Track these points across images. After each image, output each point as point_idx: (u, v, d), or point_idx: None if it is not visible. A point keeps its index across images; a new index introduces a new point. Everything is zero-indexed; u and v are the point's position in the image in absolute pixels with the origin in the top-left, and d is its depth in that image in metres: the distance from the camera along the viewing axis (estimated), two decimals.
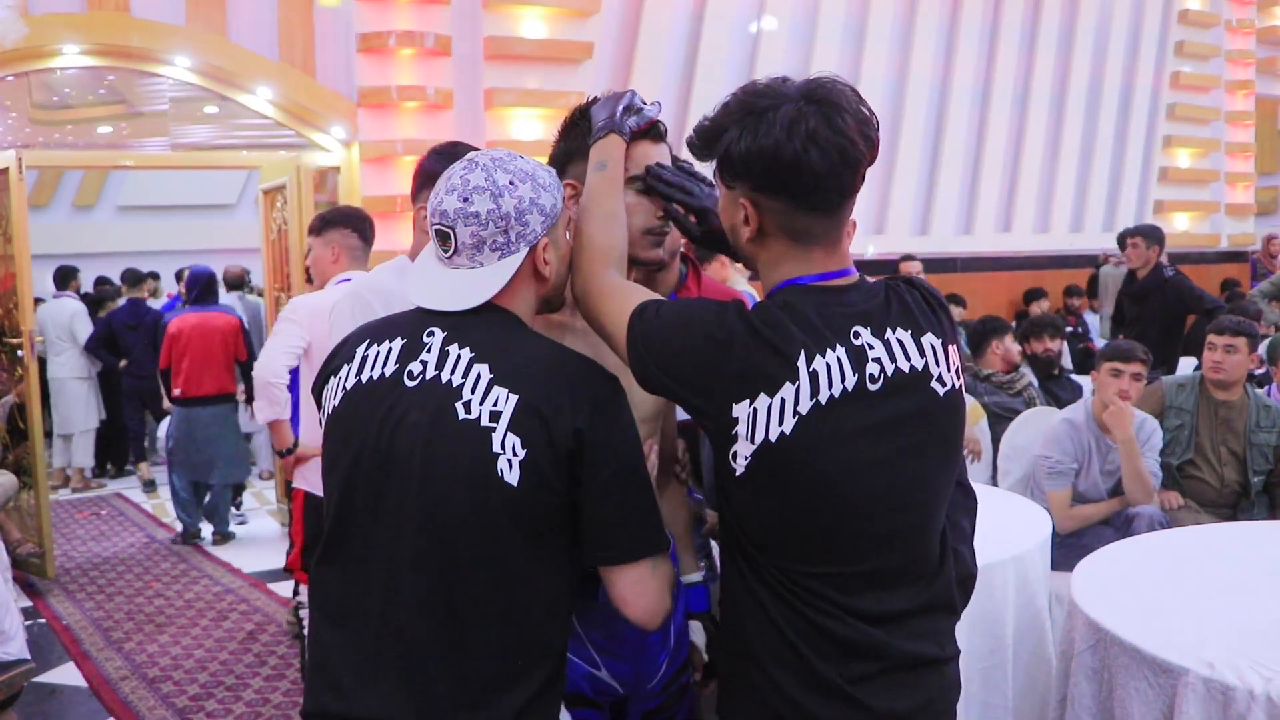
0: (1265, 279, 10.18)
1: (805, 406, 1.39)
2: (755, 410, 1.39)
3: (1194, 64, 10.48)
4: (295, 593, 3.55)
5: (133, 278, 8.31)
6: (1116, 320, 6.82)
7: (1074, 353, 8.00)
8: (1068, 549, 3.60)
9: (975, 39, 9.07)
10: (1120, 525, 3.75)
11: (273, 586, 5.43)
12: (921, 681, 1.48)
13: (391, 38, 6.53)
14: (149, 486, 8.06)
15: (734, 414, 1.40)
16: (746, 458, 1.41)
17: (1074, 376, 5.61)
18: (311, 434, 3.52)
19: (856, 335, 1.44)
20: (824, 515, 1.43)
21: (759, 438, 1.40)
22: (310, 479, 3.46)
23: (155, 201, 12.62)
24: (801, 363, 1.40)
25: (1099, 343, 8.21)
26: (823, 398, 1.40)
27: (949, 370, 1.51)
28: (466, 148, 2.40)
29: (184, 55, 6.22)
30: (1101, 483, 3.88)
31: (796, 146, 1.39)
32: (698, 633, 2.13)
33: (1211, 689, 1.99)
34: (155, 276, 9.38)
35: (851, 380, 1.41)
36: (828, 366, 1.40)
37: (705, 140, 1.50)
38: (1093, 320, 9.13)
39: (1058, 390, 5.18)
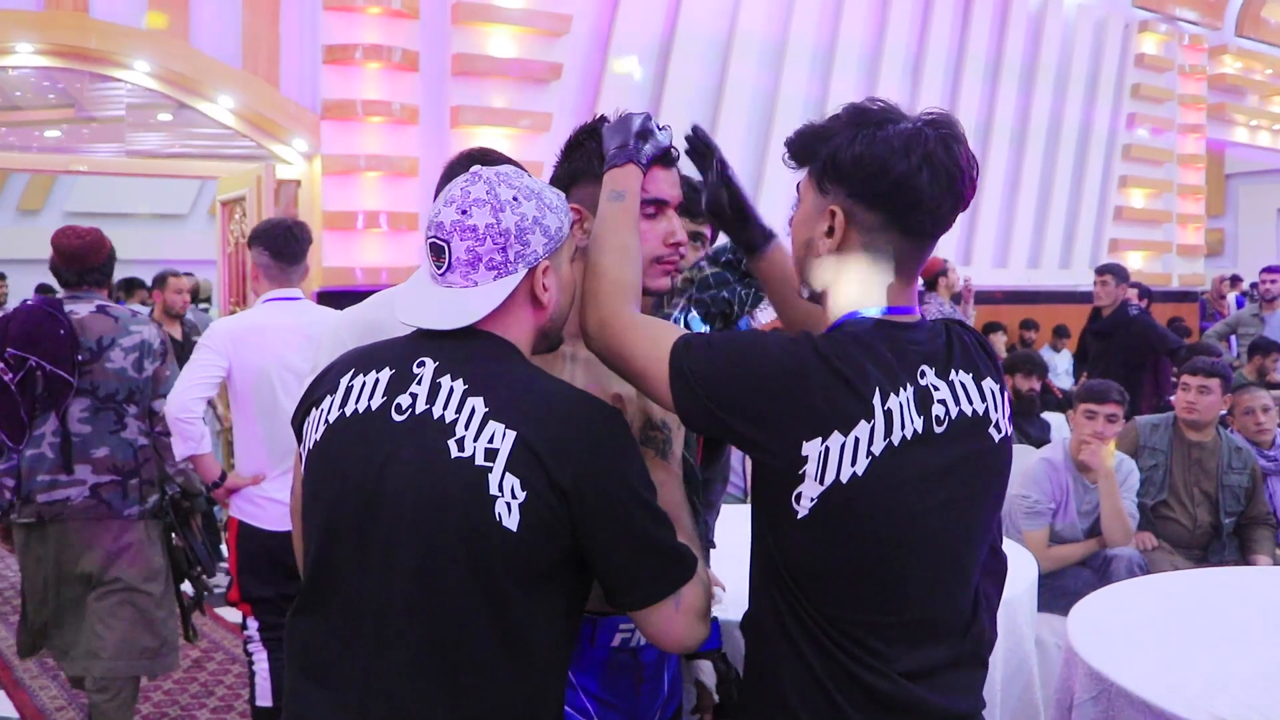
0: (1214, 319, 10.39)
1: (879, 447, 1.32)
2: (828, 449, 1.31)
3: (1149, 106, 10.69)
4: (244, 626, 3.38)
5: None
6: (1080, 357, 6.88)
7: None
8: (1045, 590, 3.55)
9: (940, 74, 9.16)
10: (1099, 567, 3.72)
11: (220, 612, 5.23)
12: None
13: (358, 51, 6.42)
14: None
15: (804, 452, 1.32)
16: (813, 499, 1.33)
17: (1041, 414, 5.61)
18: (245, 461, 3.37)
19: (923, 375, 1.38)
20: (884, 561, 1.36)
21: (829, 478, 1.32)
22: (244, 508, 3.32)
23: (105, 209, 12.32)
24: (877, 400, 1.33)
25: (1056, 381, 8.27)
26: (895, 439, 1.33)
27: (1004, 417, 1.46)
28: (495, 154, 2.21)
29: (143, 59, 6.05)
30: (1079, 523, 3.85)
31: (912, 163, 1.35)
32: (707, 673, 2.03)
33: None
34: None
35: (919, 422, 1.35)
36: (900, 406, 1.34)
37: (807, 142, 1.44)
38: (1049, 357, 9.19)
39: (1027, 428, 5.18)
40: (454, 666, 1.36)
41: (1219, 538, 4.12)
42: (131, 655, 3.40)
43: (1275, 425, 4.52)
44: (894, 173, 1.36)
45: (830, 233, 1.42)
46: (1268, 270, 8.19)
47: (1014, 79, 9.62)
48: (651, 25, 7.71)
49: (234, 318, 3.57)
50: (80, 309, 3.41)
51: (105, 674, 3.38)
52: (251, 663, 3.33)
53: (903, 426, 1.34)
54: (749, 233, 1.73)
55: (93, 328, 3.38)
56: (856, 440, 1.32)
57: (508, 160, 1.97)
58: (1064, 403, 6.51)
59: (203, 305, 8.35)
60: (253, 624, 3.32)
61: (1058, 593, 3.59)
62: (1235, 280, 12.28)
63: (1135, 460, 4.08)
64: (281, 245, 3.42)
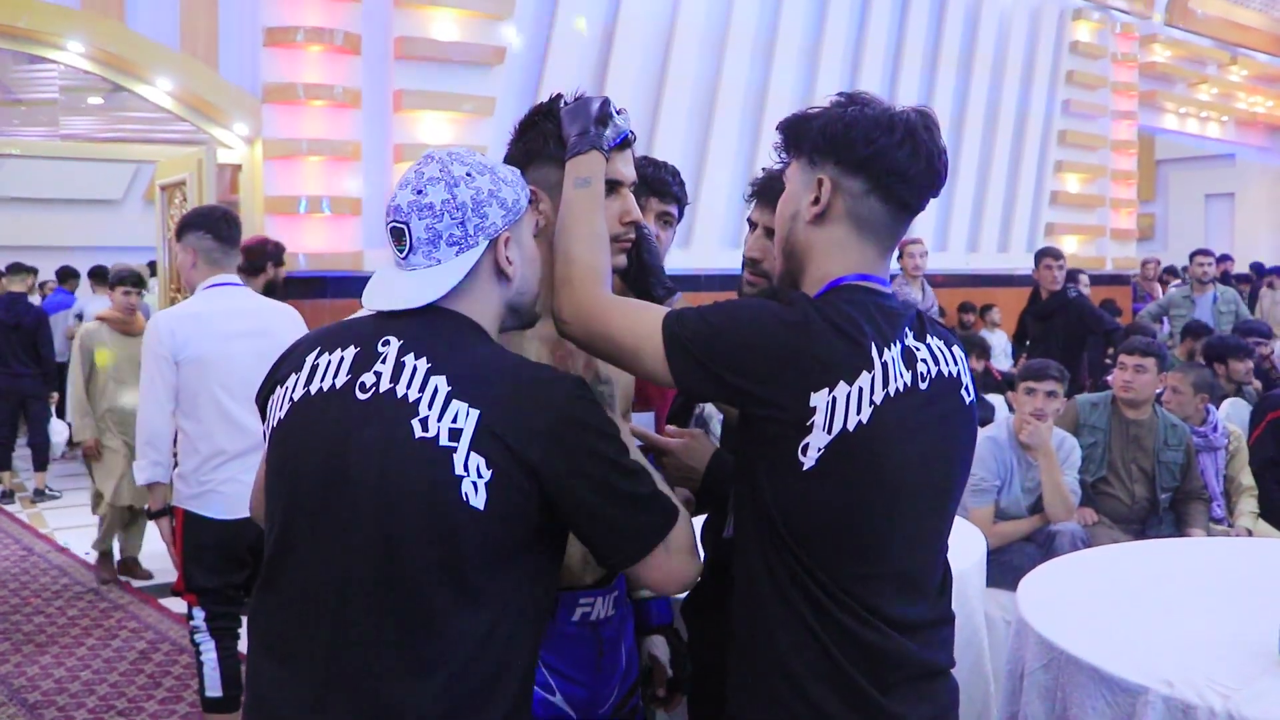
0: (1145, 301, 10.65)
1: (879, 396, 1.40)
2: (835, 399, 1.38)
3: (1083, 92, 10.88)
4: (190, 616, 3.34)
5: (14, 268, 7.81)
6: (1018, 339, 7.01)
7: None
8: (992, 566, 3.63)
9: (879, 61, 9.24)
10: (1042, 542, 3.80)
11: (164, 602, 5.16)
12: (936, 690, 1.51)
13: (299, 33, 6.32)
14: (38, 496, 7.61)
15: (812, 404, 1.38)
16: (820, 449, 1.39)
17: (984, 396, 5.72)
18: (186, 450, 3.28)
19: (905, 335, 1.47)
20: (884, 510, 1.43)
21: (837, 427, 1.38)
22: (190, 501, 3.27)
23: (34, 194, 11.95)
24: (874, 353, 1.41)
25: (995, 363, 8.40)
26: (891, 390, 1.41)
27: (971, 382, 1.56)
28: None
29: (77, 40, 5.90)
30: (1023, 499, 3.94)
31: (896, 136, 1.45)
32: (660, 648, 2.07)
33: (1172, 707, 2.00)
34: (33, 271, 8.90)
35: (907, 377, 1.44)
36: (893, 360, 1.43)
37: (797, 124, 1.53)
38: (990, 338, 9.34)
39: None
40: (420, 645, 1.35)
41: (1156, 512, 4.24)
42: None
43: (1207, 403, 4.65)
44: (879, 142, 1.45)
45: (816, 201, 1.49)
46: (1201, 253, 8.40)
47: (952, 65, 9.74)
48: (595, 11, 7.69)
49: (175, 308, 3.51)
50: None
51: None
52: (199, 653, 3.29)
53: (897, 378, 1.42)
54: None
55: None
56: (860, 390, 1.39)
57: None
58: (1003, 384, 6.64)
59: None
60: (199, 614, 3.29)
61: (1004, 568, 3.66)
62: (1156, 264, 12.50)
63: (1075, 437, 4.17)
64: (223, 229, 3.39)
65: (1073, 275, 8.17)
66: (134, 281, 5.64)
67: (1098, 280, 10.30)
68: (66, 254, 10.29)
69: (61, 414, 8.13)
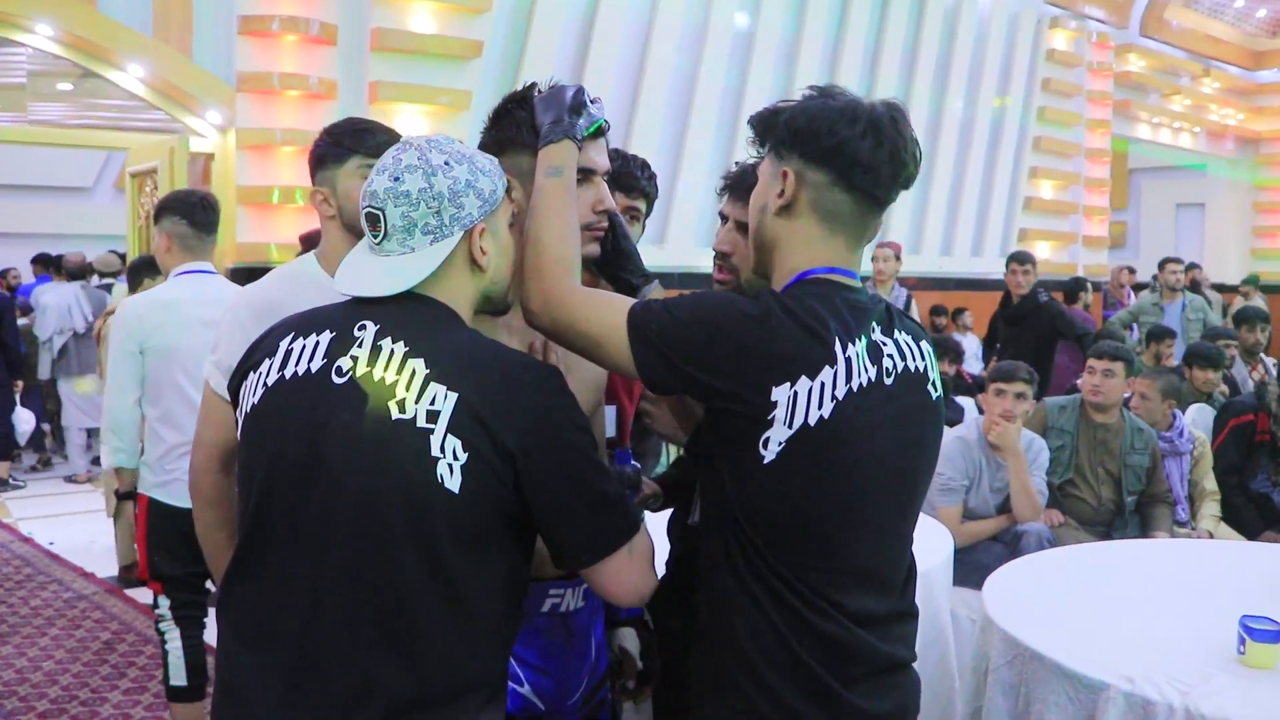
0: (1115, 308, 10.74)
1: (841, 391, 1.40)
2: (796, 394, 1.38)
3: (1058, 100, 10.97)
4: (155, 605, 3.30)
5: None
6: (988, 342, 7.05)
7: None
8: (959, 565, 3.65)
9: (857, 65, 9.28)
10: (1009, 542, 3.82)
11: (130, 592, 5.10)
12: (898, 683, 1.52)
13: (275, 22, 6.29)
14: (1, 485, 7.51)
15: (773, 398, 1.38)
16: (781, 443, 1.39)
17: (954, 398, 5.75)
18: (153, 438, 3.25)
19: (872, 330, 1.47)
20: (845, 504, 1.43)
21: (798, 422, 1.38)
22: (155, 489, 3.23)
23: (1, 180, 11.82)
24: (838, 348, 1.40)
25: (965, 366, 8.45)
26: (854, 385, 1.41)
27: (938, 377, 1.56)
28: (369, 123, 2.18)
29: (47, 23, 5.83)
30: (991, 499, 3.96)
31: (858, 129, 1.45)
32: (630, 639, 2.07)
33: (1132, 703, 2.03)
34: None
35: (872, 372, 1.43)
36: (857, 354, 1.42)
37: (767, 116, 1.54)
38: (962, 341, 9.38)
39: None
40: (393, 630, 1.35)
41: (1121, 515, 4.27)
42: None
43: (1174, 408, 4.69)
44: (841, 134, 1.45)
45: (782, 194, 1.49)
46: (1171, 261, 8.48)
47: (929, 69, 9.80)
48: (573, 5, 7.69)
49: (145, 293, 3.47)
50: None
51: None
52: (164, 642, 3.26)
53: (861, 373, 1.42)
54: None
55: None
56: (823, 385, 1.39)
57: (390, 132, 2.00)
58: (974, 387, 6.67)
59: (106, 282, 8.07)
60: (164, 602, 3.25)
61: (971, 567, 3.68)
62: (1129, 271, 12.63)
63: (1044, 439, 4.20)
64: (199, 214, 3.33)
65: (1080, 283, 8.24)
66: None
67: (1063, 286, 10.40)
68: (35, 241, 10.19)
69: (25, 403, 8.01)
